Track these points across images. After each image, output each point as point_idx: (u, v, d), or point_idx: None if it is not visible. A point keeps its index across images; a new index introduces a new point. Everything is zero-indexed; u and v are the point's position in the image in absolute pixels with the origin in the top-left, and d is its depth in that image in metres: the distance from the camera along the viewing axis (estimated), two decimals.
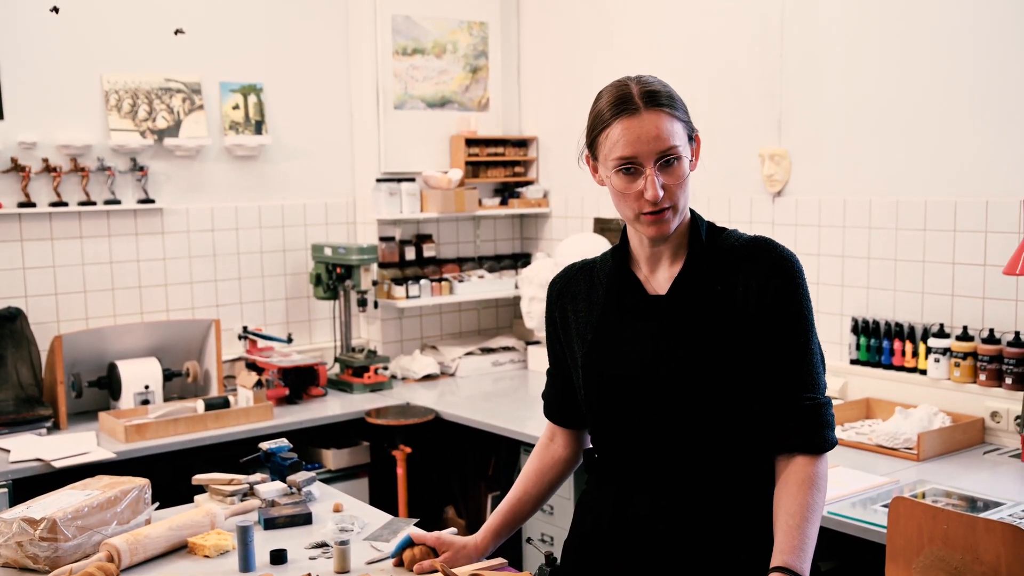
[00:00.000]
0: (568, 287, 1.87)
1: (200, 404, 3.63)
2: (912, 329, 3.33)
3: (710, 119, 3.94)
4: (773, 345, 1.66)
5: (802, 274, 1.69)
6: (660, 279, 1.74)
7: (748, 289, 1.67)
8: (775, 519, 1.62)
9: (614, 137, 1.65)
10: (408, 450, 3.85)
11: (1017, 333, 3.04)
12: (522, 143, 4.81)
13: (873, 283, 3.45)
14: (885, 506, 2.45)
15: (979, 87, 3.13)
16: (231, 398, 3.73)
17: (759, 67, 3.76)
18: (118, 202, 3.90)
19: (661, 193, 1.63)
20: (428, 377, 4.39)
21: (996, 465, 2.91)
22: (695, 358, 1.66)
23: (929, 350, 3.23)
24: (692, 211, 1.76)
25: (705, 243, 1.73)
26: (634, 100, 1.64)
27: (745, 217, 3.81)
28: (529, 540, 3.60)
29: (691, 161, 1.70)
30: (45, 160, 3.74)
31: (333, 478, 3.81)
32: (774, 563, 1.56)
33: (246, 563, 2.01)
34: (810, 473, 1.63)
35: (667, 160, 1.64)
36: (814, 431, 1.65)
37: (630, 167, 1.64)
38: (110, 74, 3.89)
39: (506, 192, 4.82)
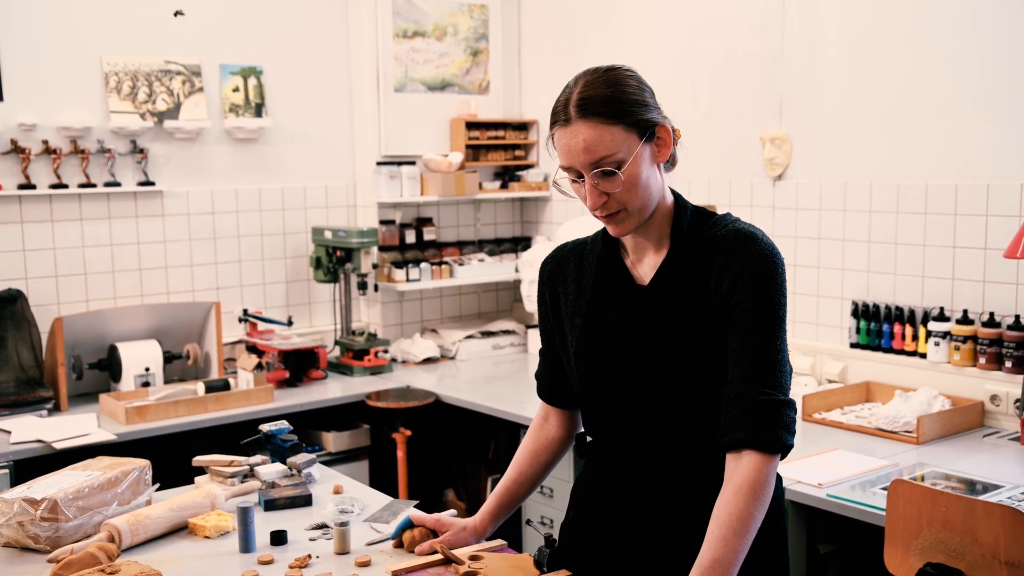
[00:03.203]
0: (559, 269, 1.87)
1: (200, 386, 3.63)
2: (912, 313, 3.33)
3: (710, 102, 3.93)
4: (738, 337, 1.62)
5: (780, 270, 1.64)
6: (645, 267, 1.74)
7: (722, 280, 1.64)
8: (709, 524, 1.56)
9: (555, 144, 1.65)
10: (408, 433, 3.85)
11: (1017, 317, 3.04)
12: (522, 126, 4.79)
13: (874, 267, 3.45)
14: (884, 489, 2.45)
15: (981, 70, 3.12)
16: (231, 380, 3.74)
17: (760, 50, 3.74)
18: (118, 184, 3.89)
19: (602, 200, 1.62)
20: (428, 360, 4.40)
21: (995, 448, 2.92)
22: (677, 347, 1.66)
23: (929, 334, 3.22)
24: (678, 197, 1.74)
25: (688, 232, 1.70)
26: (567, 109, 1.62)
27: (746, 201, 3.80)
28: (528, 522, 3.61)
29: (654, 156, 1.64)
30: (45, 142, 3.73)
31: (333, 461, 3.81)
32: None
33: (246, 544, 2.01)
34: (751, 477, 1.55)
35: (603, 171, 1.60)
36: (766, 427, 1.57)
37: (573, 176, 1.64)
38: (110, 56, 3.88)
39: (506, 175, 4.81)
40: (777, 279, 1.64)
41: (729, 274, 1.64)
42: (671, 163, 1.74)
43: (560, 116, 1.63)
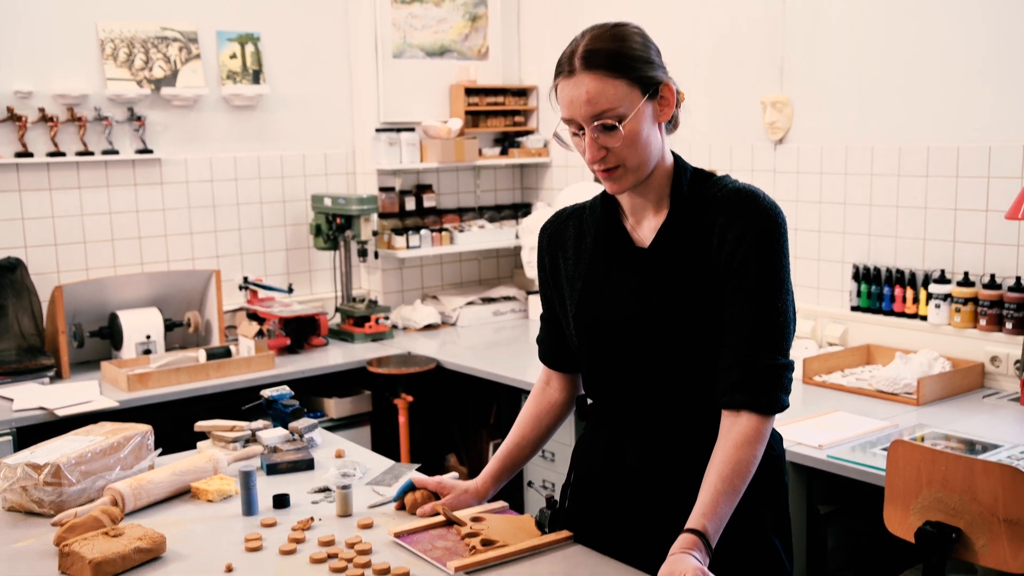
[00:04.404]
0: (558, 233, 1.86)
1: (202, 354, 3.64)
2: (913, 275, 3.32)
3: (712, 66, 3.90)
4: (741, 299, 1.62)
5: (782, 228, 1.64)
6: (645, 230, 1.73)
7: (724, 241, 1.63)
8: (706, 475, 1.59)
9: (558, 95, 1.64)
10: (410, 399, 3.86)
11: (1018, 278, 3.04)
12: (522, 92, 4.76)
13: (875, 230, 3.44)
14: (884, 450, 2.46)
15: (984, 32, 3.09)
16: (232, 348, 3.74)
17: (761, 14, 3.71)
18: (116, 152, 3.88)
19: (601, 154, 1.61)
20: (429, 327, 4.40)
21: (995, 409, 2.92)
22: (678, 310, 1.66)
23: (930, 296, 3.22)
24: (677, 158, 1.73)
25: (688, 193, 1.70)
26: (571, 61, 1.61)
27: (747, 165, 3.78)
28: (530, 484, 3.63)
29: (655, 115, 1.64)
30: (41, 110, 3.71)
31: (335, 427, 3.83)
32: (690, 524, 1.54)
33: (249, 507, 2.02)
34: (749, 435, 1.59)
35: (604, 124, 1.60)
36: (766, 390, 1.60)
37: (574, 129, 1.64)
38: (105, 22, 3.85)
39: (506, 142, 4.79)
40: (780, 239, 1.64)
41: (731, 234, 1.63)
42: (673, 124, 1.73)
43: (564, 67, 1.62)
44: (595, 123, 1.60)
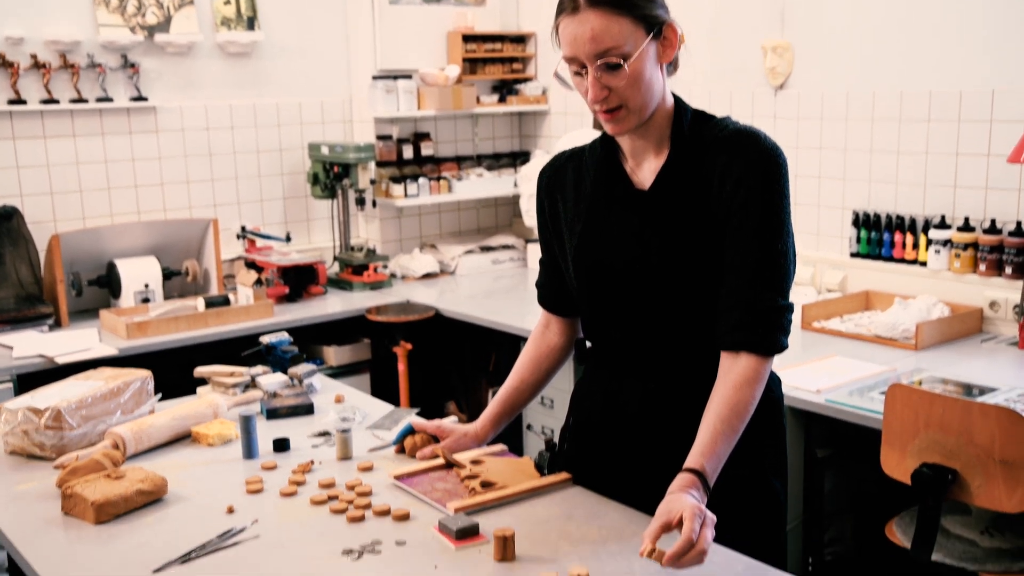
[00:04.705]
0: (557, 176, 1.85)
1: (200, 302, 3.63)
2: (913, 221, 3.31)
3: (712, 11, 3.85)
4: (742, 240, 1.61)
5: (783, 169, 1.63)
6: (645, 172, 1.71)
7: (725, 182, 1.62)
8: (705, 415, 1.59)
9: (560, 34, 1.61)
10: (409, 346, 3.87)
11: (1019, 223, 3.03)
12: (520, 39, 4.71)
13: (875, 176, 3.42)
14: (882, 394, 2.46)
15: None
16: (231, 297, 3.74)
17: None
18: (110, 100, 3.84)
19: (603, 94, 1.59)
20: (428, 276, 4.40)
21: (993, 353, 2.93)
22: (678, 252, 1.65)
23: (930, 242, 3.21)
24: (678, 100, 1.71)
25: (689, 135, 1.68)
26: None
27: (747, 111, 3.75)
28: (529, 427, 3.65)
29: (659, 55, 1.62)
30: (34, 56, 3.66)
31: (335, 374, 3.83)
32: (689, 463, 1.54)
33: (249, 450, 2.03)
34: (748, 376, 1.59)
35: (608, 63, 1.57)
36: (766, 331, 1.60)
37: (576, 68, 1.61)
38: None
39: (504, 89, 4.74)
40: (781, 180, 1.63)
41: (732, 176, 1.62)
42: (673, 66, 1.71)
43: (568, 5, 1.59)
44: (599, 61, 1.57)
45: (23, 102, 3.65)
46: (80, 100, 3.76)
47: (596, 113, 1.64)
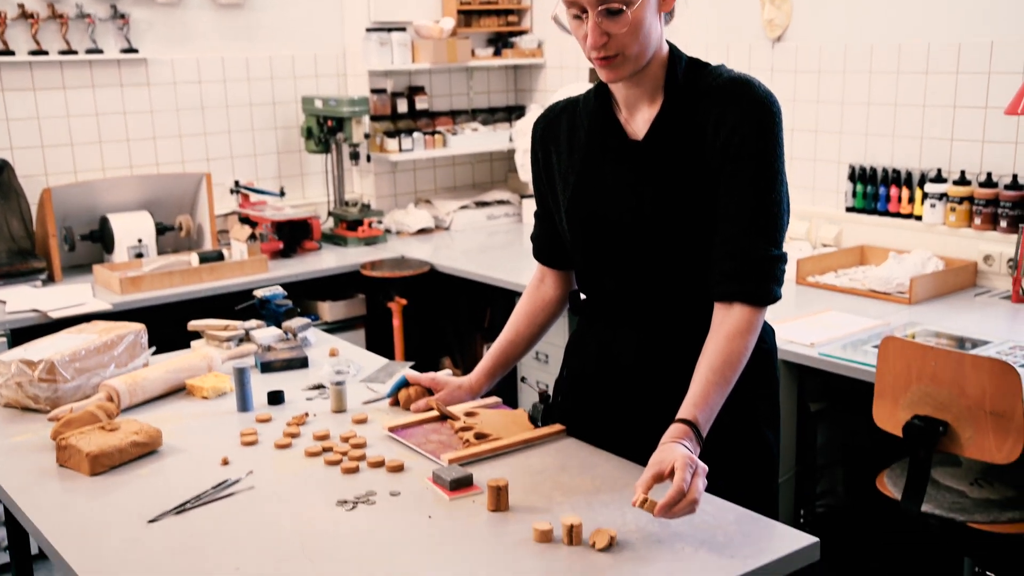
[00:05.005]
0: (550, 128, 1.84)
1: (194, 257, 3.62)
2: (910, 175, 3.30)
3: None
4: (735, 189, 1.61)
5: (778, 117, 1.62)
6: (639, 122, 1.70)
7: (719, 131, 1.61)
8: (697, 366, 1.59)
9: None
10: (404, 302, 3.87)
11: (1015, 176, 3.02)
12: None
13: (872, 129, 3.40)
14: (875, 347, 2.47)
15: None
16: (225, 252, 3.73)
17: None
18: (100, 51, 3.79)
19: (602, 40, 1.58)
20: (423, 231, 4.38)
21: (986, 306, 2.93)
22: (673, 202, 1.64)
23: (925, 196, 3.20)
24: (672, 48, 1.70)
25: (683, 84, 1.67)
26: None
27: (744, 64, 3.72)
28: (524, 379, 3.66)
29: (659, 3, 1.61)
30: (21, 6, 3.61)
31: (330, 330, 3.83)
32: (682, 414, 1.55)
33: (244, 403, 2.04)
34: (742, 328, 1.59)
35: (609, 9, 1.56)
36: (759, 281, 1.60)
37: (576, 12, 1.59)
38: None
39: (499, 42, 4.69)
40: (775, 129, 1.62)
41: (726, 125, 1.61)
42: (670, 15, 1.69)
43: None
44: (601, 7, 1.56)
45: (11, 53, 3.61)
46: (70, 51, 3.72)
47: (592, 60, 1.63)
